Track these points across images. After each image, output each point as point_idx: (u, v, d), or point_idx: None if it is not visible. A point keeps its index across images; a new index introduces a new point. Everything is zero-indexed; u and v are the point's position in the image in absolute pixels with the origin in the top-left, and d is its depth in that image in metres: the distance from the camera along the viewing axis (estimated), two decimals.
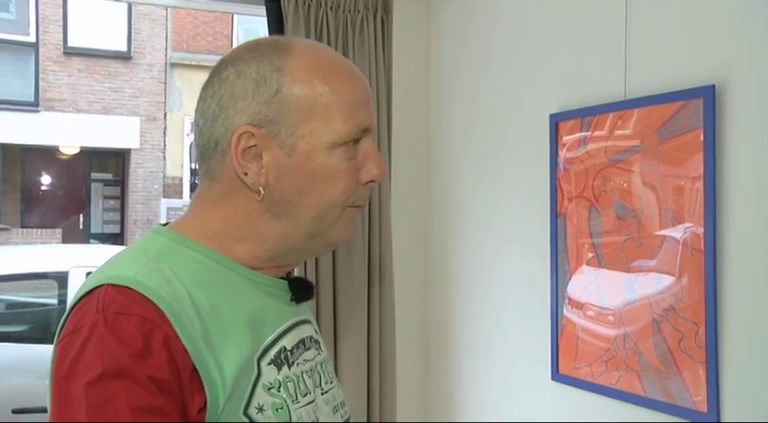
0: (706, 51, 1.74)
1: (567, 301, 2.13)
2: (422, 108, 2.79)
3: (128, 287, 0.81)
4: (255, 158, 0.88)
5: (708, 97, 1.69)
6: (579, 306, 2.09)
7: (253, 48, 0.92)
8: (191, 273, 0.87)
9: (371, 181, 0.93)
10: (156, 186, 13.27)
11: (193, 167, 13.02)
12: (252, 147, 0.88)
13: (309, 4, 2.44)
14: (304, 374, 0.93)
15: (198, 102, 0.94)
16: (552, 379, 2.18)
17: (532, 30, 2.31)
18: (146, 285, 0.82)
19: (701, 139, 1.71)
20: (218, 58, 0.96)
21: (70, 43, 12.53)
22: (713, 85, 1.68)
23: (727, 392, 1.68)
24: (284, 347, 0.91)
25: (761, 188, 1.60)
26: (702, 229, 1.72)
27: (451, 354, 2.68)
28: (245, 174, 0.89)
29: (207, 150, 0.92)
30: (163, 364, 0.77)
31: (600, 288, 2.02)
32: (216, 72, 0.92)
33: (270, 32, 2.47)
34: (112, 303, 0.80)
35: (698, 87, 1.72)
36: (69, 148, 12.83)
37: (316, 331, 1.03)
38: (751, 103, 1.63)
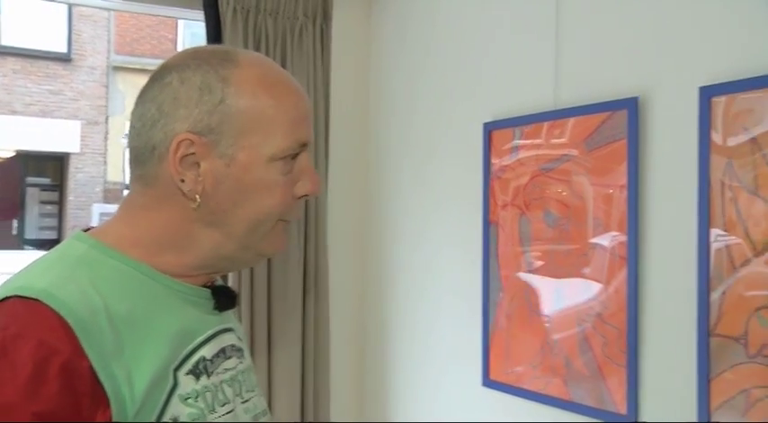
0: (631, 64, 1.79)
1: (497, 307, 2.16)
2: (360, 116, 2.80)
3: (36, 299, 0.80)
4: (193, 166, 0.88)
5: (631, 109, 1.74)
6: (510, 312, 2.12)
7: (198, 55, 0.92)
8: (109, 282, 0.86)
9: (305, 195, 0.94)
10: (98, 190, 12.97)
11: None
12: (191, 154, 0.87)
13: (248, 10, 2.42)
14: (224, 384, 0.92)
15: (136, 104, 0.93)
16: (483, 384, 2.20)
17: (468, 40, 2.34)
18: (56, 298, 0.80)
19: (626, 148, 1.76)
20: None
21: (4, 42, 12.13)
22: (636, 97, 1.74)
23: (645, 394, 1.73)
24: (203, 357, 0.90)
25: (678, 197, 1.65)
26: (626, 238, 1.77)
27: (385, 359, 2.68)
28: (182, 181, 0.88)
29: (142, 154, 0.90)
30: (52, 395, 0.75)
31: (530, 294, 2.06)
32: (158, 76, 0.91)
33: (208, 38, 2.44)
34: (14, 322, 0.78)
35: (622, 99, 1.77)
36: (2, 152, 12.42)
37: (239, 339, 1.02)
38: (671, 114, 1.68)
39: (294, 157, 0.91)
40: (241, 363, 0.98)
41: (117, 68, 13.24)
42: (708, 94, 1.57)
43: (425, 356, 2.49)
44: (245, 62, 0.91)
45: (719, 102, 1.55)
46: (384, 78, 2.74)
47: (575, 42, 1.95)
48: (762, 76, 1.47)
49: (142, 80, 1.00)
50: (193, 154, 0.88)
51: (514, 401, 2.10)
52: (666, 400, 1.68)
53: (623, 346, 1.77)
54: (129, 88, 13.06)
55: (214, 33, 2.40)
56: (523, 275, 2.07)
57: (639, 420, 1.73)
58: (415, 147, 2.57)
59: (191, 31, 13.28)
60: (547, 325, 2.00)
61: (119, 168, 13.30)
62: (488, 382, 2.18)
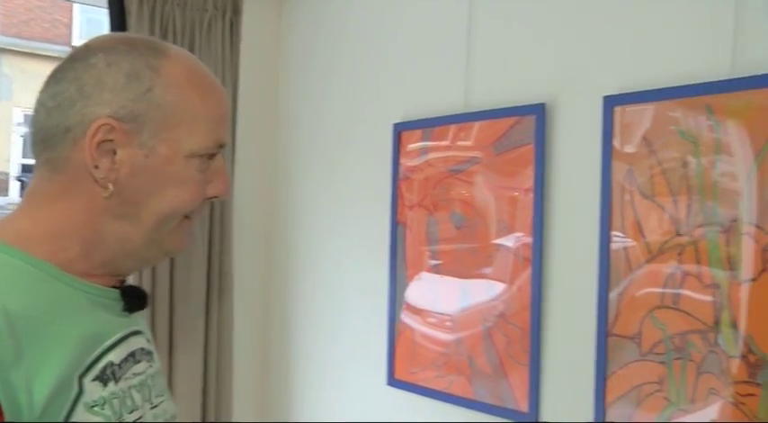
0: (540, 71, 1.84)
1: (404, 306, 2.17)
2: (268, 114, 2.75)
3: None
4: (108, 153, 0.84)
5: (539, 114, 1.79)
6: (416, 312, 2.14)
7: (127, 41, 0.89)
8: (9, 283, 0.80)
9: (215, 197, 0.93)
10: None
11: (24, 163, 12.08)
12: (108, 140, 0.84)
13: None
14: (132, 389, 0.88)
15: (48, 83, 0.87)
16: (388, 384, 2.21)
17: (380, 40, 2.34)
18: None
19: (533, 153, 1.81)
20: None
21: None
22: (544, 104, 1.79)
23: (546, 392, 1.78)
24: (111, 362, 0.85)
25: (581, 201, 1.71)
26: (531, 239, 1.82)
27: (290, 359, 2.65)
28: (96, 167, 0.84)
29: (53, 136, 0.85)
30: None
31: (436, 294, 2.08)
32: (80, 56, 0.87)
33: (111, 26, 2.33)
34: None
35: (530, 105, 1.82)
36: None
37: (148, 341, 0.97)
38: (576, 121, 1.74)
39: (211, 156, 0.90)
40: (151, 366, 0.94)
41: (3, 51, 12.49)
42: (611, 103, 1.64)
43: (331, 356, 2.48)
44: (175, 56, 0.89)
45: (622, 111, 1.62)
46: (294, 76, 2.71)
47: (486, 47, 1.99)
48: (663, 89, 1.55)
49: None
50: (111, 140, 0.84)
51: (419, 400, 2.11)
52: (565, 397, 1.74)
53: (526, 346, 1.82)
54: (17, 73, 12.33)
55: (118, 21, 2.29)
56: (430, 275, 2.09)
57: (540, 418, 1.78)
58: (324, 146, 2.55)
59: (87, 17, 12.68)
60: (451, 324, 2.02)
61: (3, 158, 12.55)
62: (393, 381, 2.19)
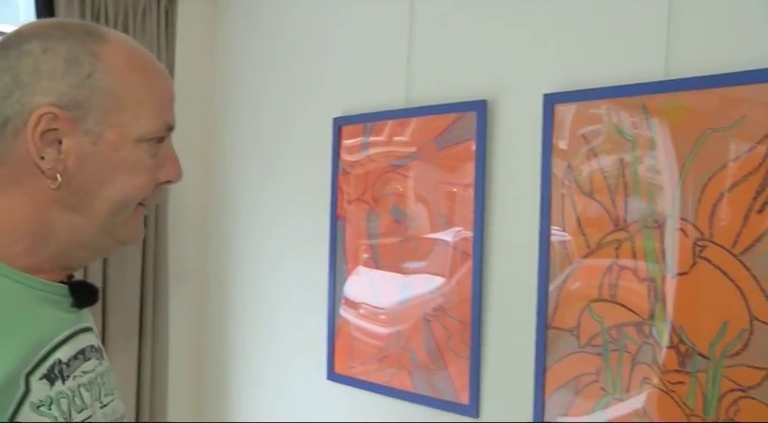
0: (482, 68, 1.86)
1: (343, 301, 2.16)
2: (205, 106, 2.69)
3: None
4: (53, 143, 0.81)
5: (480, 111, 1.81)
6: (355, 306, 2.13)
7: (61, 26, 0.85)
8: None
9: (169, 181, 0.91)
10: None
11: None
12: (52, 130, 0.80)
13: None
14: (81, 388, 0.85)
15: None
16: (328, 378, 2.20)
17: (320, 33, 2.32)
18: None
19: (474, 149, 1.83)
20: None
21: None
22: (485, 100, 1.81)
23: (486, 385, 1.81)
24: (59, 360, 0.82)
25: (522, 196, 1.74)
26: (471, 234, 1.84)
27: (227, 356, 2.61)
28: (42, 158, 0.81)
29: None
30: None
31: (375, 288, 2.08)
32: (11, 44, 0.83)
33: (37, 12, 2.23)
34: None
35: (472, 101, 1.84)
36: None
37: (97, 338, 0.94)
38: (517, 118, 1.77)
39: (160, 140, 0.88)
40: (101, 364, 0.91)
41: None
42: (551, 101, 1.67)
43: (270, 352, 2.45)
44: (114, 39, 0.86)
45: (562, 109, 1.66)
46: (232, 68, 2.66)
47: (428, 43, 1.99)
48: (601, 88, 1.59)
49: None
50: (56, 129, 0.81)
51: (360, 394, 2.12)
52: (506, 389, 1.77)
53: (466, 339, 1.84)
54: None
55: (45, 7, 2.19)
56: (369, 269, 2.09)
57: (480, 410, 1.81)
58: (263, 140, 2.51)
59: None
60: (392, 318, 2.03)
61: None
62: (333, 375, 2.19)
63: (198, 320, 2.71)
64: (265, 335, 2.47)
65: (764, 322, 1.34)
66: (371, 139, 2.10)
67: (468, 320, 1.84)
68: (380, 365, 2.05)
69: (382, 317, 2.07)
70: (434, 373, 1.91)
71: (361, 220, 2.12)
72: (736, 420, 1.38)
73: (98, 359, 0.91)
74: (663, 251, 1.48)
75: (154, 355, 2.41)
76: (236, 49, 2.64)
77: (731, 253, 1.38)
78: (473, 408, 1.82)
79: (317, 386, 2.26)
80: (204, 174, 2.69)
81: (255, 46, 2.56)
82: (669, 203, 1.47)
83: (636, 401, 1.52)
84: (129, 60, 0.85)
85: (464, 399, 1.84)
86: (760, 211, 1.35)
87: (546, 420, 1.66)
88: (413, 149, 1.99)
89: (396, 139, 2.03)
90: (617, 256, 1.56)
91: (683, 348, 1.46)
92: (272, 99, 2.48)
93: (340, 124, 2.19)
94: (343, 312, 2.16)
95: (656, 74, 1.51)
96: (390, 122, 2.05)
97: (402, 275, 2.01)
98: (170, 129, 0.89)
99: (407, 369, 1.98)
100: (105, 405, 0.89)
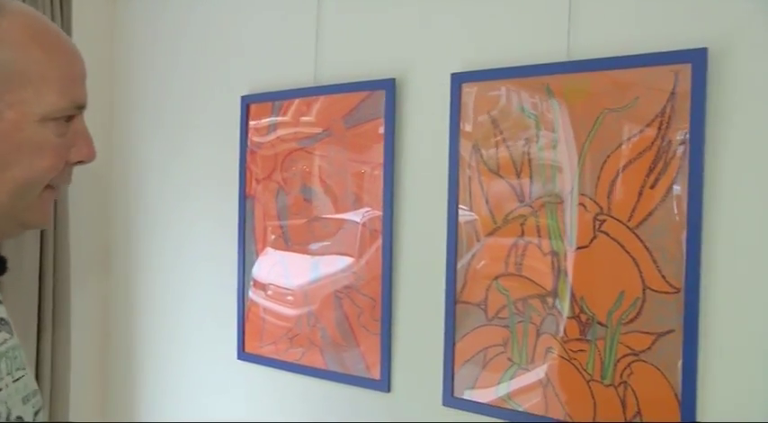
0: (391, 46, 1.87)
1: (253, 282, 2.15)
2: (105, 89, 2.58)
3: None
4: None
5: (389, 89, 1.83)
6: (266, 286, 2.12)
7: None
8: None
9: (81, 161, 0.86)
10: None
11: None
12: None
13: None
14: None
15: None
16: (238, 358, 2.19)
17: (228, 10, 2.27)
18: None
19: (382, 128, 1.85)
20: None
21: None
22: (394, 79, 1.83)
23: (397, 360, 1.85)
24: None
25: (430, 175, 1.78)
26: (381, 213, 1.86)
27: (134, 339, 2.54)
28: None
29: None
30: None
31: (286, 268, 2.08)
32: None
33: None
34: None
35: (380, 79, 1.85)
36: None
37: (5, 311, 0.90)
38: (425, 97, 1.80)
39: (69, 119, 0.84)
40: (11, 337, 0.87)
41: None
42: (459, 81, 1.71)
43: (179, 333, 2.40)
44: (13, 10, 0.81)
45: (469, 88, 1.70)
46: (134, 46, 2.56)
47: (336, 20, 1.99)
48: (507, 68, 1.64)
49: None
50: None
51: (272, 373, 2.11)
52: (416, 363, 1.81)
53: (377, 315, 1.87)
54: None
55: None
56: (279, 249, 2.09)
57: (392, 384, 1.85)
58: (170, 119, 2.44)
59: None
60: (303, 297, 2.04)
61: None
62: (244, 355, 2.18)
63: (103, 306, 2.62)
64: (174, 317, 2.42)
65: (655, 291, 1.44)
66: (280, 117, 2.08)
67: (378, 297, 1.87)
68: (291, 344, 2.05)
69: (292, 297, 2.07)
70: (346, 350, 1.94)
71: (270, 199, 2.11)
72: (629, 382, 1.47)
73: (8, 332, 0.88)
74: (565, 226, 1.55)
75: (54, 343, 2.31)
76: (138, 28, 2.54)
77: (627, 226, 1.47)
78: (385, 382, 1.85)
79: (227, 366, 2.24)
80: (106, 156, 2.59)
81: (161, 22, 2.47)
82: (570, 180, 1.54)
83: (540, 370, 1.60)
84: (29, 34, 0.80)
85: (375, 374, 1.88)
86: (652, 187, 1.44)
87: (455, 392, 1.72)
88: (321, 128, 1.98)
89: (304, 118, 2.02)
90: (522, 232, 1.62)
91: (583, 318, 1.54)
92: (179, 78, 2.41)
93: (248, 103, 2.16)
94: (254, 293, 2.15)
95: (559, 55, 1.57)
96: (298, 101, 2.03)
97: (312, 255, 2.01)
98: (80, 107, 0.85)
99: (319, 347, 1.99)
100: (17, 379, 0.86)
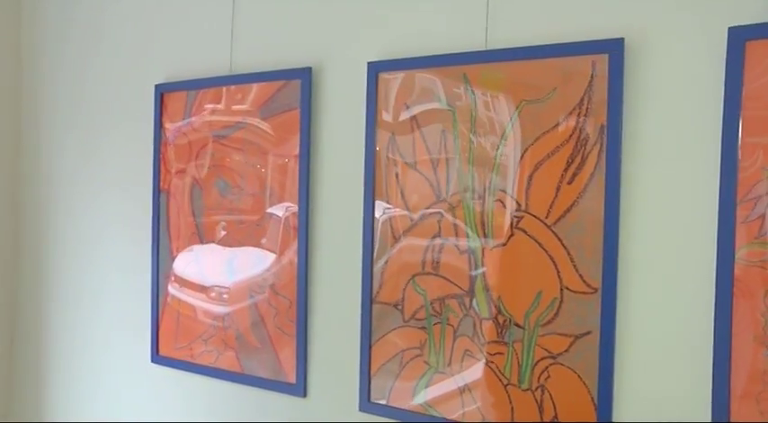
0: (307, 34, 1.78)
1: (169, 280, 2.04)
2: (11, 79, 2.44)
3: None
4: None
5: (305, 79, 1.74)
6: (182, 285, 2.02)
7: None
8: None
9: None
10: None
11: None
12: None
13: None
14: None
15: None
16: (152, 361, 2.08)
17: None
18: None
19: (299, 118, 1.76)
20: None
21: None
22: (310, 68, 1.74)
23: (313, 362, 1.77)
24: None
25: (347, 169, 1.70)
26: (298, 208, 1.78)
27: (43, 342, 2.41)
28: None
29: None
30: None
31: (201, 267, 1.98)
32: None
33: None
34: None
35: (297, 68, 1.76)
36: None
37: None
38: (342, 87, 1.72)
39: None
40: None
41: None
42: (375, 70, 1.63)
43: (90, 335, 2.28)
44: None
45: (386, 77, 1.62)
46: (44, 33, 2.42)
47: (253, 8, 1.89)
48: (424, 57, 1.56)
49: None
50: None
51: (186, 377, 2.02)
52: (333, 366, 1.74)
53: (293, 317, 1.79)
54: None
55: None
56: (196, 246, 1.99)
57: (308, 388, 1.77)
58: (83, 109, 2.30)
59: None
60: (219, 297, 1.95)
61: None
62: (158, 358, 2.07)
63: (10, 305, 2.48)
64: (85, 319, 2.30)
65: (573, 291, 1.38)
66: (195, 107, 1.98)
67: (294, 298, 1.79)
68: (207, 346, 1.96)
69: (207, 297, 1.97)
70: (262, 353, 1.85)
71: (186, 193, 2.01)
72: (546, 386, 1.42)
73: None
74: (482, 223, 1.49)
75: None
76: (50, 14, 2.40)
77: (545, 224, 1.41)
78: (300, 387, 1.77)
79: (140, 370, 2.13)
80: (13, 151, 2.45)
81: (72, 10, 2.34)
82: (488, 175, 1.48)
83: (457, 375, 1.53)
84: None
85: (291, 378, 1.79)
86: (570, 183, 1.38)
87: (372, 396, 1.65)
88: (238, 119, 1.89)
89: (220, 107, 1.93)
90: (439, 229, 1.55)
91: (501, 319, 1.48)
92: (92, 66, 2.28)
93: (162, 91, 2.05)
94: (169, 292, 2.04)
95: (477, 44, 1.51)
96: (214, 90, 1.94)
97: (231, 253, 1.92)
98: None
99: (233, 349, 1.90)
100: None
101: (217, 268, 1.95)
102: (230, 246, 1.92)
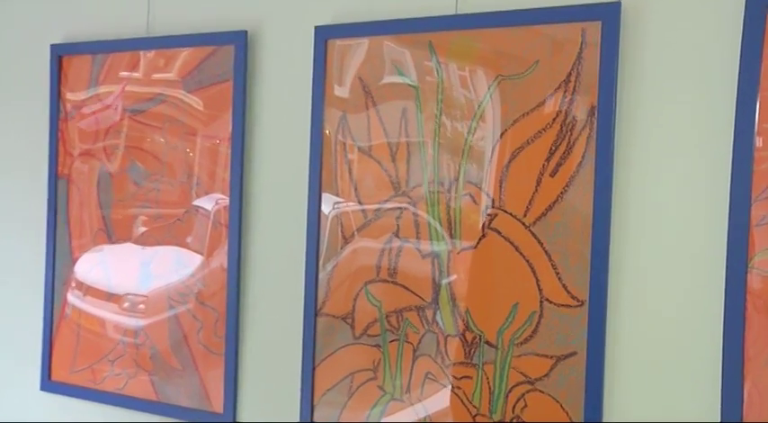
0: None
1: (68, 287, 2.04)
2: None
3: None
4: None
5: (239, 44, 1.76)
6: (84, 293, 2.02)
7: None
8: None
9: None
10: None
11: None
12: None
13: None
14: None
15: None
16: (42, 389, 2.08)
17: None
18: None
19: (232, 92, 1.78)
20: None
21: None
22: (245, 32, 1.76)
23: (245, 387, 1.79)
24: None
25: (289, 154, 1.72)
26: (229, 201, 1.79)
27: None
28: None
29: None
30: None
31: (111, 271, 1.99)
32: None
33: None
34: None
35: (229, 32, 1.78)
36: None
37: None
38: (284, 55, 1.74)
39: None
40: None
41: None
42: (324, 36, 1.66)
43: None
44: None
45: (338, 45, 1.65)
46: None
47: None
48: (384, 22, 1.59)
49: None
50: None
51: (86, 407, 2.02)
52: (268, 391, 1.76)
53: (222, 332, 1.81)
54: None
55: None
56: (103, 246, 1.99)
57: (238, 418, 1.79)
58: None
59: None
60: (135, 308, 1.95)
61: None
62: (50, 384, 2.07)
63: None
64: None
65: (555, 303, 1.43)
66: (103, 75, 1.98)
67: (223, 309, 1.81)
68: (114, 368, 1.97)
69: (119, 306, 1.98)
70: (182, 376, 1.86)
71: (92, 180, 2.01)
72: (523, 418, 1.46)
73: None
74: (449, 221, 1.53)
75: None
76: None
77: (522, 223, 1.45)
78: (229, 416, 1.79)
79: (27, 399, 2.12)
80: None
81: None
82: (457, 164, 1.52)
83: (417, 403, 1.57)
84: None
85: (218, 406, 1.81)
86: (552, 175, 1.42)
87: None
88: (158, 90, 1.90)
89: (136, 75, 1.94)
90: (398, 228, 1.58)
91: (469, 336, 1.51)
92: None
93: (60, 54, 2.05)
94: (68, 303, 2.04)
95: (446, 8, 1.54)
96: (128, 55, 1.94)
97: (146, 253, 1.93)
98: None
99: (149, 371, 1.91)
100: None
101: (130, 273, 1.96)
102: (147, 245, 1.93)
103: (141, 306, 1.94)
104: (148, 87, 1.92)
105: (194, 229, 1.87)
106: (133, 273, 1.95)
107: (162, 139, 1.90)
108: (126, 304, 1.97)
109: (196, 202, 1.87)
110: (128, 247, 1.96)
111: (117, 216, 1.98)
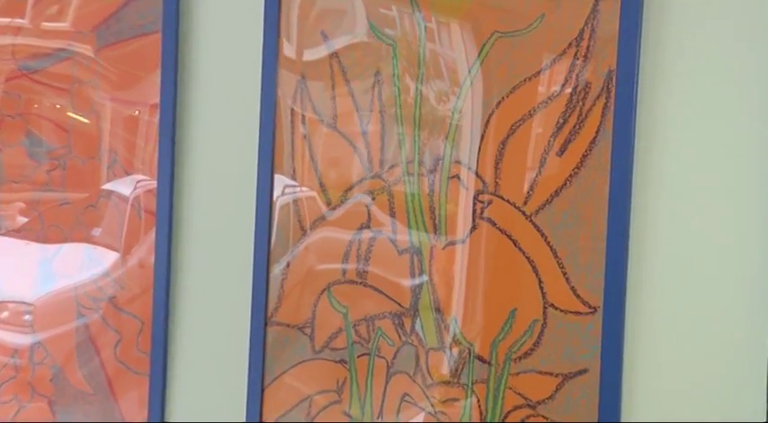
0: None
1: None
2: None
3: None
4: None
5: None
6: None
7: None
8: None
9: None
10: None
11: None
12: None
13: None
14: None
15: None
16: None
17: None
18: None
19: (160, 48, 1.78)
20: None
21: None
22: None
23: (174, 416, 1.79)
24: None
25: (232, 127, 1.73)
26: (156, 184, 1.79)
27: None
28: None
29: None
30: None
31: (9, 272, 1.99)
32: None
33: None
34: None
35: None
36: None
37: None
38: (226, 4, 1.74)
39: None
40: None
41: None
42: None
43: None
44: None
45: None
46: None
47: None
48: None
49: None
50: None
51: None
52: (205, 421, 1.76)
53: (146, 346, 1.81)
54: None
55: None
56: None
57: None
58: None
59: None
60: (26, 318, 1.95)
61: None
62: None
63: None
64: None
65: (562, 310, 1.45)
66: None
67: (149, 318, 1.81)
68: (4, 394, 1.96)
69: (10, 316, 1.98)
70: (92, 402, 1.88)
71: None
72: None
73: None
74: (431, 210, 1.54)
75: None
76: None
77: (522, 212, 1.47)
78: None
79: None
80: None
81: None
82: (440, 140, 1.53)
83: None
84: None
85: None
86: (560, 154, 1.45)
87: None
88: (60, 44, 1.91)
89: (25, 24, 1.95)
90: (369, 218, 1.60)
91: (456, 350, 1.53)
92: None
93: None
94: None
95: None
96: None
97: (45, 248, 1.94)
98: None
99: (48, 396, 1.92)
100: None
101: (23, 273, 1.97)
102: (46, 238, 1.94)
103: (40, 317, 1.94)
104: (45, 40, 1.94)
105: (105, 218, 1.87)
106: (31, 274, 1.96)
107: (67, 105, 1.91)
108: (7, 314, 1.97)
109: (107, 186, 1.90)
110: (14, 243, 1.96)
111: (9, 201, 1.98)
